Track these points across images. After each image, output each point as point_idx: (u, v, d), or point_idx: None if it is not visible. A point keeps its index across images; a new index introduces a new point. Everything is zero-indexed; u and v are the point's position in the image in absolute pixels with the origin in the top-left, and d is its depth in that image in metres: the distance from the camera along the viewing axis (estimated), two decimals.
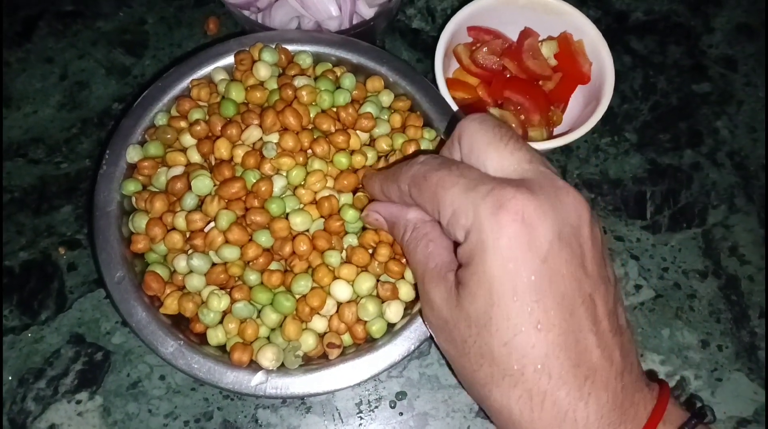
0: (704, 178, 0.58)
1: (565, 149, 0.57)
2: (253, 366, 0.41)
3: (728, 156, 0.59)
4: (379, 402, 0.49)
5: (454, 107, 0.49)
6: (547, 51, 0.55)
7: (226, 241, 0.41)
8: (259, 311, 0.42)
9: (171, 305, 0.42)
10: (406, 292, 0.42)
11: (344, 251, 0.43)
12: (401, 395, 0.49)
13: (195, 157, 0.45)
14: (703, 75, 0.62)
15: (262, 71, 0.46)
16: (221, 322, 0.42)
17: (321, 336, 0.43)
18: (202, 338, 0.43)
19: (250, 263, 0.42)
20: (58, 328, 0.51)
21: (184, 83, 0.48)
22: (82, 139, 0.57)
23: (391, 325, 0.43)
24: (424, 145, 0.46)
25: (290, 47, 0.49)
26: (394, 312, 0.42)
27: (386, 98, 0.49)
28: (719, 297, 0.54)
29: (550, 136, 0.54)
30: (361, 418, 0.48)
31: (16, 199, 0.54)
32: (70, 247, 0.53)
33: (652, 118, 0.60)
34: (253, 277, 0.42)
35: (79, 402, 0.48)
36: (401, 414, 0.49)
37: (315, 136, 0.44)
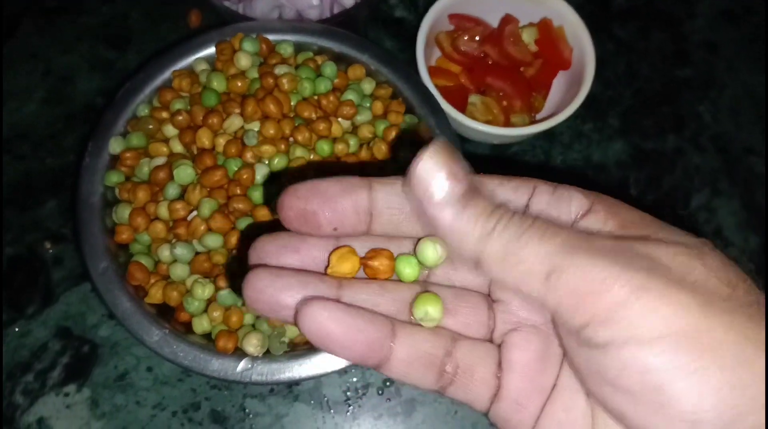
0: (687, 162, 0.58)
1: (549, 135, 0.58)
2: (239, 353, 0.41)
3: (711, 140, 0.59)
4: (366, 389, 0.49)
5: (437, 95, 0.49)
6: (528, 37, 0.55)
7: (209, 230, 0.42)
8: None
9: (156, 295, 0.42)
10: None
11: None
12: (389, 382, 0.49)
13: (177, 147, 0.45)
14: (686, 60, 0.63)
15: (243, 61, 0.46)
16: (206, 310, 0.42)
17: None
18: (187, 327, 0.43)
19: (234, 251, 0.42)
20: (44, 322, 0.51)
21: (166, 74, 0.48)
22: (66, 134, 0.57)
23: None
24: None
25: (271, 37, 0.49)
26: None
27: (368, 86, 0.49)
28: None
29: (533, 122, 0.54)
30: (349, 405, 0.49)
31: (1, 194, 0.54)
32: (56, 242, 0.53)
33: (636, 104, 0.60)
34: (237, 265, 0.42)
35: (67, 395, 0.48)
36: (389, 400, 0.49)
37: (296, 124, 0.45)
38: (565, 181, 0.22)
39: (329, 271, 0.22)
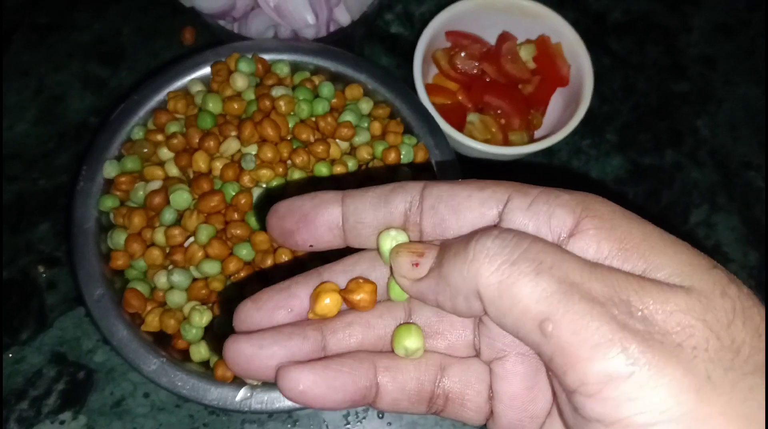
0: (686, 177, 0.58)
1: (547, 152, 0.57)
2: (238, 381, 0.41)
3: (709, 154, 0.59)
4: (366, 412, 0.49)
5: (434, 113, 0.49)
6: (526, 54, 0.55)
7: (207, 256, 0.41)
8: None
9: (152, 322, 0.42)
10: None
11: None
12: None
13: (173, 170, 0.44)
14: (683, 74, 0.63)
15: (239, 82, 0.46)
16: (204, 337, 0.42)
17: None
18: (185, 355, 0.42)
19: (232, 277, 0.41)
20: (39, 348, 0.50)
21: (161, 95, 0.47)
22: (59, 153, 0.56)
23: None
24: (404, 151, 0.46)
25: (267, 57, 0.48)
26: None
27: (366, 106, 0.48)
28: None
29: (531, 140, 0.54)
30: None
31: None
32: (50, 265, 0.52)
33: (633, 119, 0.60)
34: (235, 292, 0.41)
35: (62, 422, 0.48)
36: (389, 424, 0.48)
37: (294, 147, 0.44)
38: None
39: (310, 315, 0.22)
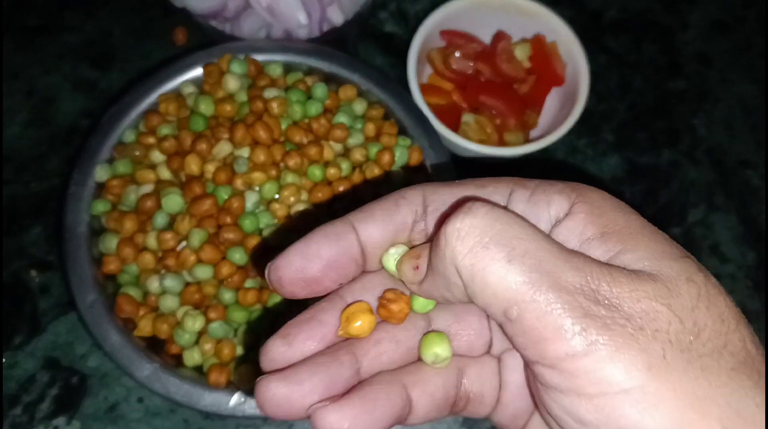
0: (683, 176, 0.58)
1: (543, 152, 0.57)
2: (231, 387, 0.40)
3: (706, 153, 0.59)
4: None
5: (429, 113, 0.48)
6: (521, 54, 0.54)
7: (199, 260, 0.41)
8: (236, 330, 0.41)
9: (145, 327, 0.41)
10: None
11: None
12: None
13: (165, 173, 0.44)
14: (679, 72, 0.62)
15: (231, 83, 0.45)
16: (197, 342, 0.41)
17: None
18: (178, 360, 0.42)
19: (225, 282, 0.41)
20: (32, 353, 0.49)
21: (152, 98, 0.47)
22: (50, 156, 0.55)
23: None
24: (399, 153, 0.45)
25: (259, 57, 0.48)
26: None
27: (359, 107, 0.48)
28: None
29: (527, 140, 0.53)
30: None
31: None
32: (42, 269, 0.51)
33: (629, 118, 0.60)
34: (228, 296, 0.41)
35: (56, 428, 0.47)
36: None
37: (287, 149, 0.44)
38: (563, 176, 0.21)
39: (339, 332, 0.21)
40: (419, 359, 0.22)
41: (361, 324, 0.21)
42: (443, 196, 0.21)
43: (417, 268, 0.21)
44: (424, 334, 0.22)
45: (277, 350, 0.21)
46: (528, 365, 0.19)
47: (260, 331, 0.41)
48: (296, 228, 0.42)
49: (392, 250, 0.22)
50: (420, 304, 0.22)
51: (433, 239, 0.20)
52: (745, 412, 0.17)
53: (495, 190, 0.21)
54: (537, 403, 0.20)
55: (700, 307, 0.18)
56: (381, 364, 0.22)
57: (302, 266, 0.20)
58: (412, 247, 0.22)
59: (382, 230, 0.21)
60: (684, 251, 0.20)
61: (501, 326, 0.19)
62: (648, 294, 0.18)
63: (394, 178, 0.45)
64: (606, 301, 0.18)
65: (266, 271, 0.21)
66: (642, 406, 0.17)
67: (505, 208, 0.20)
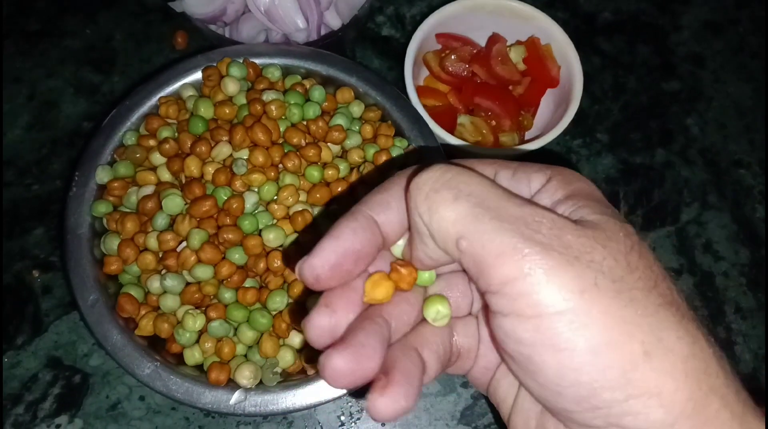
0: (676, 176, 0.59)
1: (538, 152, 0.58)
2: (232, 385, 0.41)
3: (699, 153, 0.60)
4: (361, 413, 0.49)
5: (425, 115, 0.49)
6: (516, 56, 0.55)
7: (199, 261, 0.41)
8: (236, 329, 0.42)
9: (146, 327, 0.42)
10: None
11: None
12: None
13: (165, 175, 0.44)
14: (672, 73, 0.63)
15: (230, 86, 0.46)
16: (197, 341, 0.42)
17: (299, 351, 0.43)
18: (179, 358, 0.42)
19: (225, 281, 0.42)
20: (34, 352, 0.50)
21: (152, 101, 0.47)
22: (52, 159, 0.56)
23: None
24: (395, 154, 0.46)
25: (258, 61, 0.49)
26: None
27: (357, 109, 0.48)
28: (694, 294, 0.54)
29: (522, 141, 0.54)
30: None
31: None
32: (44, 270, 0.52)
33: (623, 118, 0.61)
34: (228, 295, 0.42)
35: (58, 426, 0.48)
36: (383, 425, 0.49)
37: (285, 151, 0.44)
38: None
39: (365, 299, 0.23)
40: (422, 321, 0.25)
41: (384, 290, 0.23)
42: None
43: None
44: (426, 298, 0.25)
45: (324, 319, 0.22)
46: (482, 299, 0.21)
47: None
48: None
49: (400, 242, 0.24)
50: (423, 278, 0.25)
51: None
52: (667, 341, 0.19)
53: (482, 170, 0.23)
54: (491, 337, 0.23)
55: (632, 255, 0.20)
56: (403, 324, 0.23)
57: (338, 263, 0.22)
58: None
59: (397, 215, 0.23)
60: (624, 220, 0.22)
61: (460, 263, 0.21)
62: (587, 235, 0.20)
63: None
64: (547, 232, 0.20)
65: (298, 270, 0.22)
66: (574, 326, 0.19)
67: (461, 166, 0.22)
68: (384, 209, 0.23)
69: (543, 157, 0.58)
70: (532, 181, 0.23)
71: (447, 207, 0.20)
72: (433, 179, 0.21)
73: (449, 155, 0.52)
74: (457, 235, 0.20)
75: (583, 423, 0.20)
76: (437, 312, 0.24)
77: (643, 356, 0.19)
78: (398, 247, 0.25)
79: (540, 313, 0.19)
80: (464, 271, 0.22)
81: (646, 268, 0.20)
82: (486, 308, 0.21)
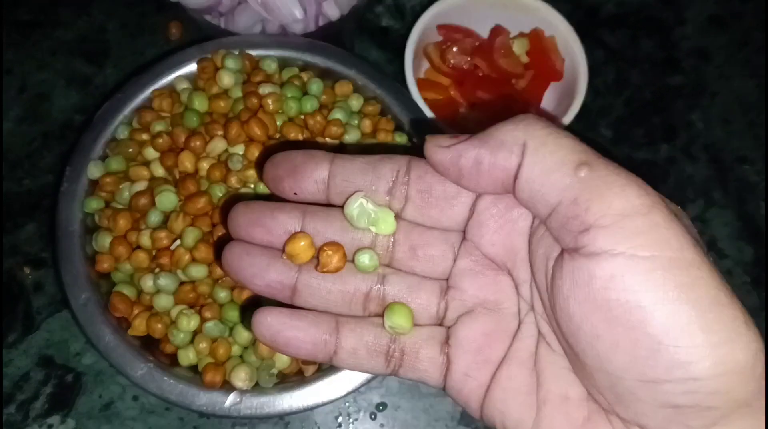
0: (680, 172, 0.58)
1: None
2: (227, 386, 0.40)
3: (703, 149, 0.59)
4: (359, 414, 0.48)
5: (426, 109, 0.48)
6: (519, 48, 0.54)
7: (194, 259, 0.40)
8: (231, 329, 0.41)
9: (139, 326, 0.41)
10: None
11: None
12: (382, 406, 0.48)
13: (159, 170, 0.43)
14: (676, 68, 0.62)
15: (226, 79, 0.45)
16: (192, 342, 0.41)
17: None
18: (172, 359, 0.41)
19: (220, 280, 0.41)
20: (26, 351, 0.49)
21: (146, 93, 0.46)
22: (43, 153, 0.55)
23: None
24: None
25: (254, 52, 0.47)
26: None
27: (356, 103, 0.47)
28: None
29: None
30: None
31: None
32: (36, 267, 0.51)
33: (627, 113, 0.60)
34: (223, 295, 0.41)
35: (50, 426, 0.47)
36: (382, 425, 0.48)
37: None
38: None
39: (284, 255, 0.24)
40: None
41: (299, 249, 0.24)
42: (429, 164, 0.23)
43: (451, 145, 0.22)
44: (389, 304, 0.24)
45: (238, 218, 0.24)
46: (572, 239, 0.20)
47: None
48: None
49: (352, 198, 0.24)
50: (364, 263, 0.24)
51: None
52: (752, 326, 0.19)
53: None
54: (560, 306, 0.20)
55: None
56: (315, 287, 0.24)
57: (277, 163, 0.24)
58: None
59: (360, 172, 0.24)
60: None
61: (560, 194, 0.20)
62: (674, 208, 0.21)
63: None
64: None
65: (266, 165, 0.25)
66: (694, 275, 0.18)
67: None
68: (347, 160, 0.24)
69: None
70: None
71: (567, 138, 0.20)
72: (543, 122, 0.21)
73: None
74: (579, 162, 0.19)
75: (664, 400, 0.19)
76: (394, 324, 0.24)
77: (746, 325, 0.18)
78: (349, 204, 0.24)
79: (658, 255, 0.18)
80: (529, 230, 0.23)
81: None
82: (564, 263, 0.20)
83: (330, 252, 0.24)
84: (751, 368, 0.18)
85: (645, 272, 0.18)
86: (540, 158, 0.20)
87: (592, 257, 0.19)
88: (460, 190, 0.23)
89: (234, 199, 0.41)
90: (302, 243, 0.24)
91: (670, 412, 0.19)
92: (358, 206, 0.24)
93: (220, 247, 0.40)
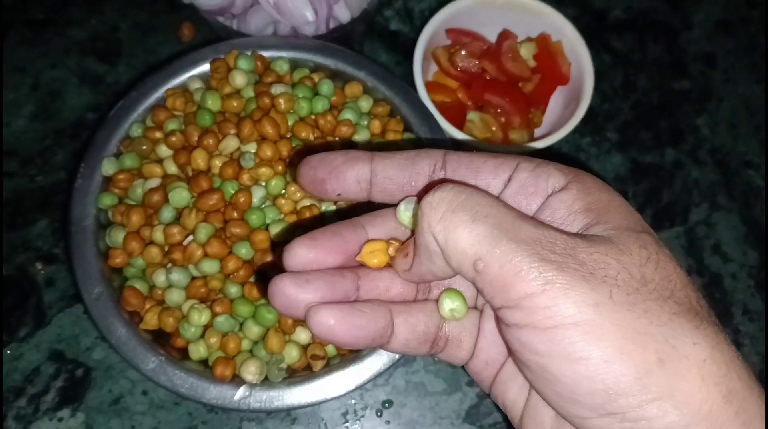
0: (686, 176, 0.58)
1: (547, 150, 0.57)
2: (237, 380, 0.40)
3: (709, 153, 0.59)
4: (365, 411, 0.49)
5: (434, 111, 0.49)
6: (526, 52, 0.55)
7: (206, 255, 0.41)
8: (241, 324, 0.42)
9: (151, 320, 0.41)
10: None
11: None
12: (388, 403, 0.49)
13: (172, 168, 0.44)
14: (683, 72, 0.62)
15: (238, 79, 0.46)
16: (203, 336, 0.41)
17: (305, 347, 0.42)
18: (183, 353, 0.42)
19: (231, 276, 0.41)
20: (37, 345, 0.50)
21: (159, 93, 0.47)
22: (56, 150, 0.55)
23: None
24: None
25: (266, 54, 0.48)
26: None
27: (365, 104, 0.48)
28: (703, 295, 0.54)
29: (531, 138, 0.53)
30: (348, 427, 0.48)
31: None
32: (47, 262, 0.52)
33: (633, 117, 0.60)
34: (234, 290, 0.41)
35: (60, 420, 0.48)
36: (388, 422, 0.48)
37: (294, 145, 0.44)
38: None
39: (357, 257, 0.24)
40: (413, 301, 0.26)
41: (377, 260, 0.24)
42: (462, 158, 0.25)
43: (407, 255, 0.24)
44: (444, 290, 0.25)
45: (302, 249, 0.24)
46: (496, 313, 0.21)
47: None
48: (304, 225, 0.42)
49: (402, 205, 0.25)
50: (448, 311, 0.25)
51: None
52: (681, 348, 0.20)
53: (504, 160, 0.24)
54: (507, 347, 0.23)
55: (648, 267, 0.21)
56: (377, 289, 0.25)
57: (316, 166, 0.25)
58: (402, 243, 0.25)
59: (399, 169, 0.25)
60: (646, 227, 0.22)
61: (474, 283, 0.21)
62: (600, 250, 0.21)
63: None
64: (561, 251, 0.20)
65: (299, 168, 0.25)
66: (588, 337, 0.19)
67: (472, 186, 0.23)
68: (386, 157, 0.25)
69: (552, 156, 0.57)
70: (551, 177, 0.24)
71: (465, 228, 0.21)
72: (448, 200, 0.21)
73: (458, 149, 0.52)
74: (474, 257, 0.21)
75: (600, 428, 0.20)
76: (452, 310, 0.25)
77: (657, 363, 0.19)
78: (400, 210, 0.25)
79: (556, 325, 0.19)
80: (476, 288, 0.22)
81: (663, 278, 0.21)
82: (499, 320, 0.22)
83: (377, 253, 0.25)
84: (687, 393, 0.19)
85: (545, 341, 0.20)
86: (447, 256, 0.22)
87: (510, 327, 0.21)
88: (489, 183, 0.24)
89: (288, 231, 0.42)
90: (381, 248, 0.25)
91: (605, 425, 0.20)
92: (406, 209, 0.25)
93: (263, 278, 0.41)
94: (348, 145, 0.46)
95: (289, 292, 0.23)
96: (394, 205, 0.25)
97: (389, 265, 0.25)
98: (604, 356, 0.19)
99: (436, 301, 0.25)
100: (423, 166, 0.25)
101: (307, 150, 0.43)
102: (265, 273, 0.42)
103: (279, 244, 0.42)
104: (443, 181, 0.23)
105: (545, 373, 0.20)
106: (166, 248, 0.42)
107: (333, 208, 0.43)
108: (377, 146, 0.46)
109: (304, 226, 0.42)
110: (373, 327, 0.23)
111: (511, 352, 0.23)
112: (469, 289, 0.26)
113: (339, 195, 0.25)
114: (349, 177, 0.25)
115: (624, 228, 0.22)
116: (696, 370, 0.19)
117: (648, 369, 0.19)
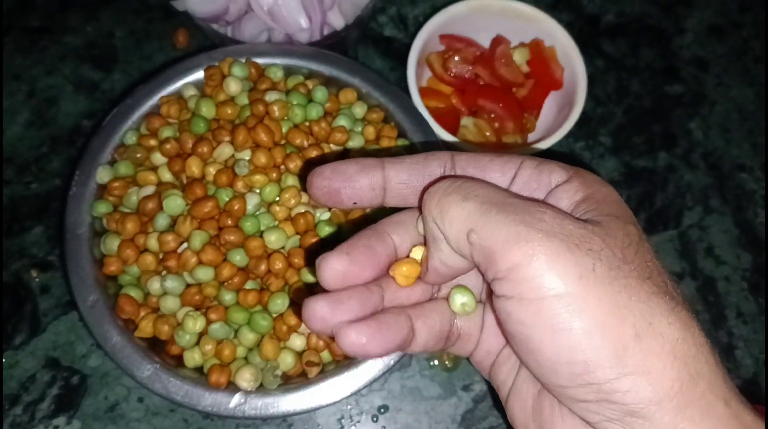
0: (679, 179, 0.58)
1: (541, 155, 0.57)
2: (232, 387, 0.41)
3: (702, 157, 0.60)
4: (360, 416, 0.49)
5: (428, 117, 0.49)
6: (520, 58, 0.55)
7: (200, 262, 0.41)
8: (236, 331, 0.42)
9: (146, 328, 0.42)
10: None
11: None
12: (383, 408, 0.49)
13: (166, 175, 0.44)
14: (676, 77, 0.63)
15: (233, 86, 0.46)
16: (198, 343, 0.42)
17: (299, 354, 0.42)
18: (178, 360, 0.42)
19: (226, 283, 0.41)
20: (32, 353, 0.50)
21: (154, 100, 0.47)
22: (51, 157, 0.56)
23: None
24: None
25: (260, 60, 0.48)
26: None
27: (359, 110, 0.48)
28: (696, 298, 0.54)
29: (525, 143, 0.54)
30: None
31: None
32: (43, 269, 0.52)
33: (626, 121, 0.60)
34: (228, 297, 0.41)
35: (56, 427, 0.48)
36: (384, 428, 0.48)
37: (288, 152, 0.44)
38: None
39: (390, 271, 0.25)
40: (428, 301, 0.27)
41: (409, 276, 0.25)
42: (469, 158, 0.26)
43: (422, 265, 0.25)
44: (454, 287, 0.26)
45: (338, 263, 0.24)
46: (490, 287, 0.22)
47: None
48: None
49: (457, 296, 0.26)
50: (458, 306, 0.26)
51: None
52: (657, 325, 0.21)
53: (509, 159, 0.26)
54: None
55: (629, 250, 0.22)
56: (399, 299, 0.25)
57: (329, 176, 0.25)
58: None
59: (409, 174, 0.26)
60: (634, 220, 0.24)
61: (472, 259, 0.23)
62: (587, 228, 0.22)
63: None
64: (549, 220, 0.21)
65: (310, 179, 0.25)
66: (571, 308, 0.20)
67: (472, 178, 0.25)
68: (397, 162, 0.26)
69: (549, 157, 0.57)
70: (553, 174, 0.25)
71: (457, 206, 0.22)
72: (444, 187, 0.23)
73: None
74: (467, 230, 0.22)
75: (576, 398, 0.21)
76: (463, 304, 0.26)
77: (634, 338, 0.20)
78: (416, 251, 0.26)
79: (541, 296, 0.20)
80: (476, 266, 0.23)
81: (641, 262, 0.22)
82: (491, 294, 0.23)
83: (405, 268, 0.25)
84: (660, 370, 0.20)
85: (530, 312, 0.21)
86: (447, 237, 0.23)
87: (499, 298, 0.22)
88: (496, 180, 0.25)
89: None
90: (414, 265, 0.25)
91: (581, 404, 0.22)
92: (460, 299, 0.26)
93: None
94: (342, 153, 0.46)
95: (323, 314, 0.23)
96: (410, 208, 0.27)
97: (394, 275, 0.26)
98: (586, 328, 0.20)
99: (446, 299, 0.26)
100: (435, 168, 0.26)
101: (318, 160, 0.44)
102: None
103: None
104: (446, 177, 0.25)
105: (529, 343, 0.21)
106: (161, 256, 0.42)
107: (327, 214, 0.44)
108: (371, 153, 0.46)
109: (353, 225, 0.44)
110: (400, 336, 0.24)
111: (500, 324, 0.24)
112: (474, 287, 0.27)
113: (354, 203, 0.26)
114: (364, 185, 0.25)
115: (614, 216, 0.23)
116: (669, 348, 0.21)
117: (625, 343, 0.20)
